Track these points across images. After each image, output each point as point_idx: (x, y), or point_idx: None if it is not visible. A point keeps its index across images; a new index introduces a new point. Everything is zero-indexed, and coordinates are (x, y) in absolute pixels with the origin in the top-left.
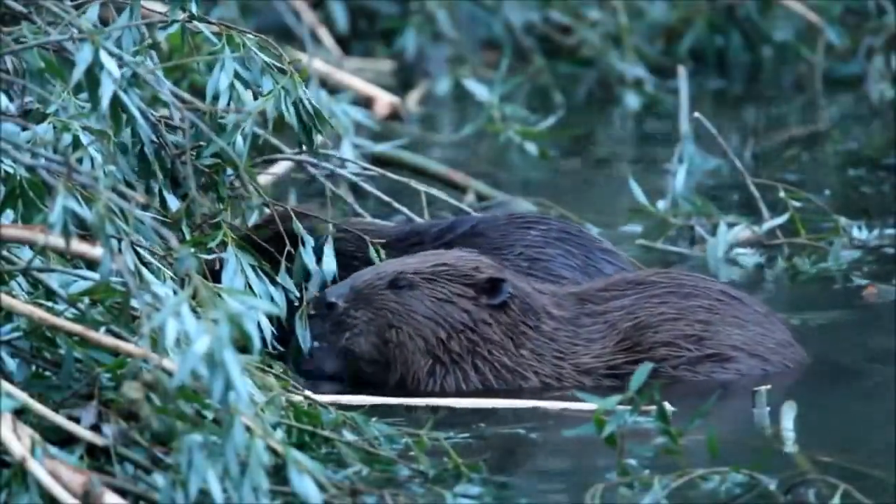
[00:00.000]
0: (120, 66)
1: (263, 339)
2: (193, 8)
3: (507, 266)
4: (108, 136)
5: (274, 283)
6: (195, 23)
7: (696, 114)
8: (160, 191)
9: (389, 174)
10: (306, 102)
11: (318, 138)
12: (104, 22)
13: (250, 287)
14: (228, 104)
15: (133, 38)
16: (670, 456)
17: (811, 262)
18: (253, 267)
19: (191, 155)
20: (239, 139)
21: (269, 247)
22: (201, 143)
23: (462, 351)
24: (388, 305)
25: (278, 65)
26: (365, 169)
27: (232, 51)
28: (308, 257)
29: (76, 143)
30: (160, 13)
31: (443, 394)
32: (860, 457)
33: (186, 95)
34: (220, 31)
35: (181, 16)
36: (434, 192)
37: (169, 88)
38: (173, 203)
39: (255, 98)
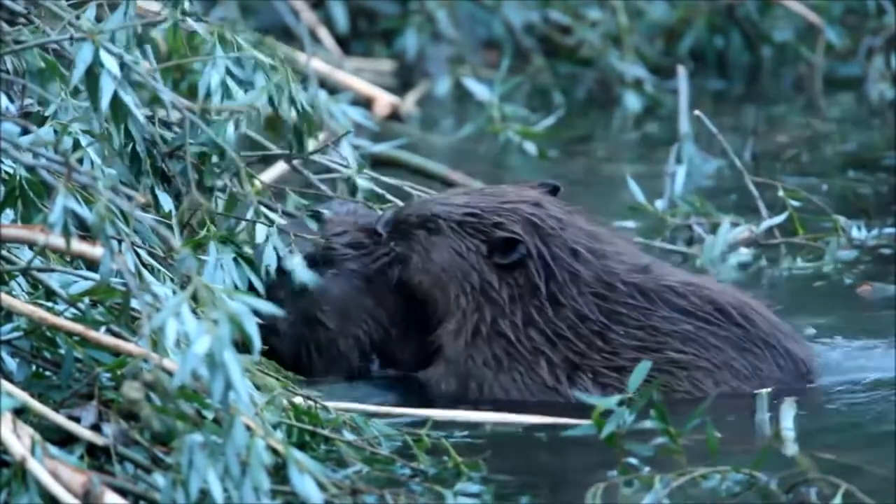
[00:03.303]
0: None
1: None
2: (186, 5)
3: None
4: (107, 136)
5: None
6: (189, 21)
7: (697, 112)
8: (152, 189)
9: (385, 178)
10: (298, 101)
11: (311, 144)
12: (98, 21)
13: (234, 285)
14: (221, 102)
15: (127, 36)
16: (670, 455)
17: (808, 260)
18: (235, 260)
19: (182, 153)
20: (230, 134)
21: None
22: (190, 141)
23: (470, 311)
24: (415, 247)
25: (271, 62)
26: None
27: (224, 49)
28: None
29: (75, 144)
30: (153, 12)
31: (464, 362)
32: (861, 456)
33: (178, 99)
34: (212, 29)
35: (174, 12)
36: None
37: (160, 87)
38: (165, 201)
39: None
